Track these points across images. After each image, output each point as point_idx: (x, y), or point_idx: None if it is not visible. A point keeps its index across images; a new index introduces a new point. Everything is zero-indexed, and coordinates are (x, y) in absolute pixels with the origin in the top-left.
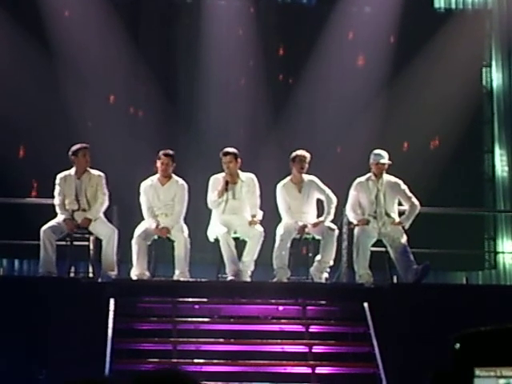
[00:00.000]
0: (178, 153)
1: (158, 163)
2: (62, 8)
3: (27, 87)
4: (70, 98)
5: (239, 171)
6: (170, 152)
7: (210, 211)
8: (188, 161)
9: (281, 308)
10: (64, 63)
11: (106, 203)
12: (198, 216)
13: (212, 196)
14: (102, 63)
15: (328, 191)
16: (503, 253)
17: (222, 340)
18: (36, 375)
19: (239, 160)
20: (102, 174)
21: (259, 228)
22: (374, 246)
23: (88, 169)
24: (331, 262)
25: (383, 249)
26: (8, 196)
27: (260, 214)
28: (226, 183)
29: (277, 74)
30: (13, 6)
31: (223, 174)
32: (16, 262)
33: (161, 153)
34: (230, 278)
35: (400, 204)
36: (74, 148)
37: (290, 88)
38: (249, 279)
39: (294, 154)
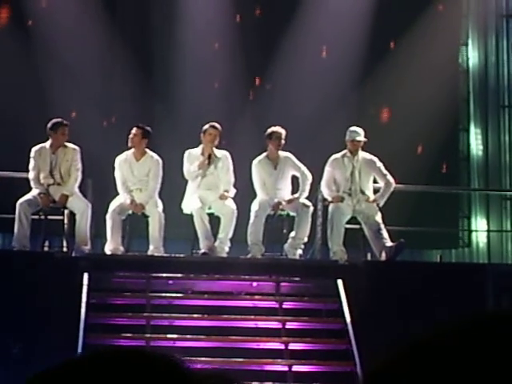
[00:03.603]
0: (153, 127)
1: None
2: None
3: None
4: (44, 70)
5: (214, 148)
6: (143, 126)
7: (184, 186)
8: (163, 135)
9: (255, 284)
10: (39, 37)
11: (80, 178)
12: (172, 191)
13: (191, 167)
14: (77, 36)
15: (303, 168)
16: (477, 231)
17: (195, 315)
18: (10, 349)
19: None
20: (77, 147)
21: (232, 205)
22: (348, 223)
23: (64, 143)
24: (305, 239)
25: (357, 226)
26: None
27: (232, 191)
28: (209, 156)
29: (254, 48)
30: None
31: (198, 150)
32: None
33: None
34: (203, 250)
35: (375, 181)
36: (53, 122)
37: (267, 62)
38: (225, 256)
39: (270, 130)
